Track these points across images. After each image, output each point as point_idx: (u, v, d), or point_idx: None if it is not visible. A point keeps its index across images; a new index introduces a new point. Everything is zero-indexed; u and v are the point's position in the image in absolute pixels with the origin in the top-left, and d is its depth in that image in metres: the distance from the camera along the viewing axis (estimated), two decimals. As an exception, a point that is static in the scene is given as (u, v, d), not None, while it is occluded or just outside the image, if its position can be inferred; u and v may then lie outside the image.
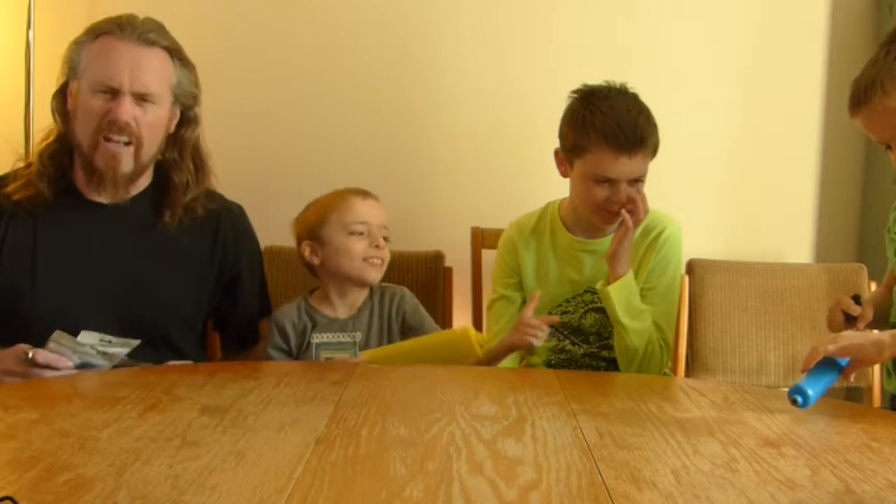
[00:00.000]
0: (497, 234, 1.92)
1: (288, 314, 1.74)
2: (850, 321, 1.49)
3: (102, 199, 1.64)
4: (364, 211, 1.74)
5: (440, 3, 2.40)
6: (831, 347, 1.25)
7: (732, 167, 2.45)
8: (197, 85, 1.69)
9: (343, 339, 1.72)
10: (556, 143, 1.74)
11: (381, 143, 2.41)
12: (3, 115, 2.31)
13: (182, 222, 1.67)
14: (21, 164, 1.67)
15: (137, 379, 1.34)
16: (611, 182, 1.64)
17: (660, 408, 1.25)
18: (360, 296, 1.77)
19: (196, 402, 1.21)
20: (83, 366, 1.40)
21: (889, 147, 1.44)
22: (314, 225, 1.76)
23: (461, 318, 2.15)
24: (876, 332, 1.29)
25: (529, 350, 1.68)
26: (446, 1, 2.40)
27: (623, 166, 1.63)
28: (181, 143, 1.69)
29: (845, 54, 2.40)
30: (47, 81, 1.70)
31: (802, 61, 2.43)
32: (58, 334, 1.39)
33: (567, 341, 1.78)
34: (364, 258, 1.72)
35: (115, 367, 1.43)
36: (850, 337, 1.28)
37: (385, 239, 1.76)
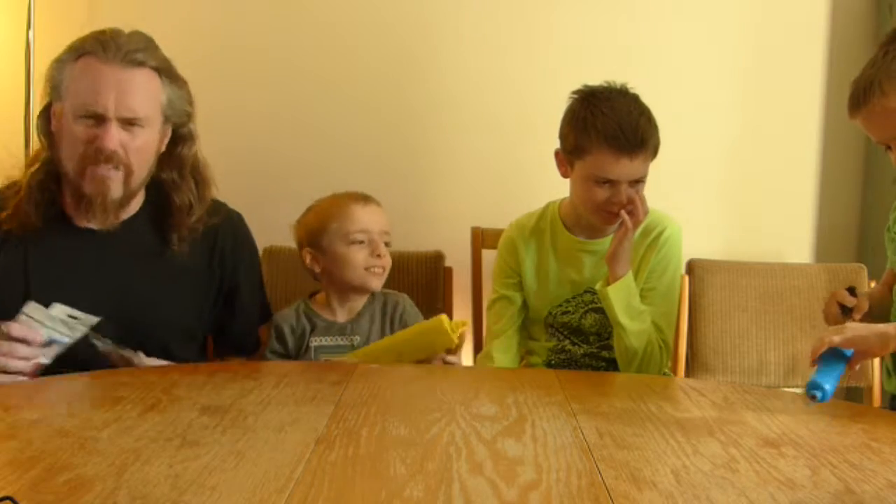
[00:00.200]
0: (497, 234, 1.92)
1: (286, 317, 1.74)
2: (847, 313, 1.49)
3: (92, 225, 1.57)
4: (365, 218, 1.72)
5: (440, 3, 2.40)
6: (836, 339, 1.25)
7: (732, 167, 2.45)
8: (190, 102, 1.60)
9: (342, 343, 1.71)
10: (556, 144, 1.73)
11: (381, 143, 2.41)
12: (3, 115, 2.31)
13: (183, 240, 1.62)
14: (7, 183, 1.59)
15: (137, 379, 1.34)
16: (611, 183, 1.64)
17: (660, 408, 1.25)
18: (361, 301, 1.76)
19: (196, 402, 1.21)
20: (48, 343, 1.37)
21: (889, 147, 1.44)
22: (314, 232, 1.74)
23: (461, 317, 2.15)
24: (880, 324, 1.29)
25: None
26: (446, 1, 2.40)
27: (624, 168, 1.63)
28: (179, 163, 1.62)
29: (845, 54, 2.40)
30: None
31: (802, 61, 2.43)
32: (31, 307, 1.36)
33: (567, 341, 1.78)
34: (365, 267, 1.71)
35: (91, 347, 1.44)
36: (855, 328, 1.28)
37: (387, 244, 1.74)
